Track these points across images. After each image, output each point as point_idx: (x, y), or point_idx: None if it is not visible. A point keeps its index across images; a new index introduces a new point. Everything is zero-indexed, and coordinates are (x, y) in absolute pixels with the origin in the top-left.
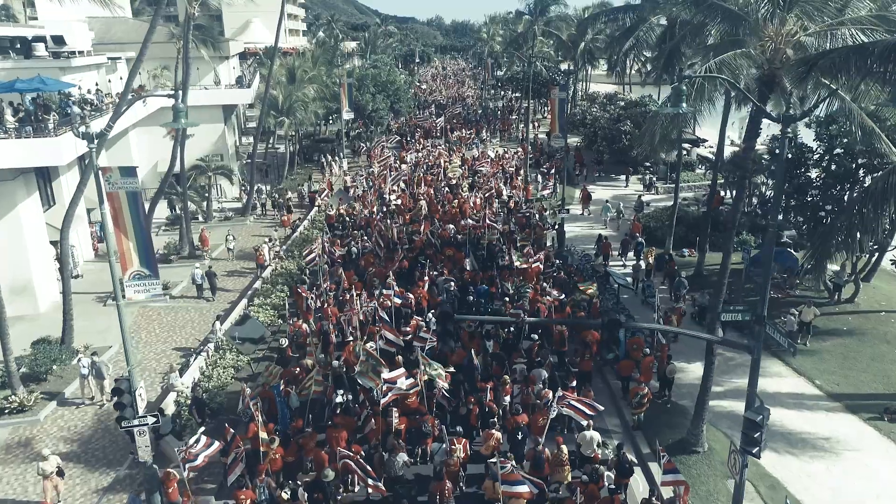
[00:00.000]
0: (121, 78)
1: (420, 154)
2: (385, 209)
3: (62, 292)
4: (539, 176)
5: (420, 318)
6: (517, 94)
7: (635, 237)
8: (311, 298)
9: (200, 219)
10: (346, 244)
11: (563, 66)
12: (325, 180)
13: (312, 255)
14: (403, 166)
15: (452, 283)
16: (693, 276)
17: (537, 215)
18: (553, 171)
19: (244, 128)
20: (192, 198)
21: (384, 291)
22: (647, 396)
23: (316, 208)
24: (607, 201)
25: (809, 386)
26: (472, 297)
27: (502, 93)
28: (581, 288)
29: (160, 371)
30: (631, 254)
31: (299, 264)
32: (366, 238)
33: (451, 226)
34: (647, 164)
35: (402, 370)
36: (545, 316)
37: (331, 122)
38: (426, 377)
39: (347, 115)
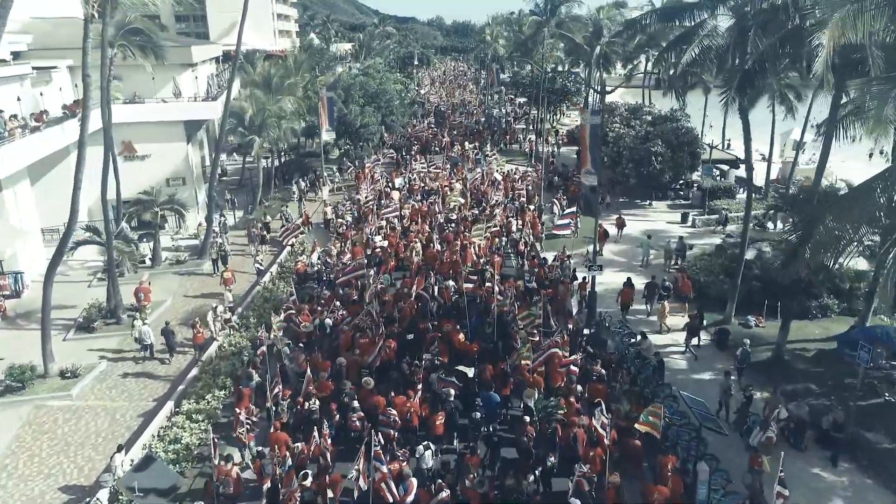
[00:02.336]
0: (60, 89)
1: (414, 176)
2: (370, 253)
3: None
4: (554, 206)
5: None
6: (523, 99)
7: (665, 287)
8: (249, 421)
9: (148, 262)
10: (316, 313)
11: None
12: (301, 212)
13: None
14: (394, 194)
15: (453, 390)
16: (771, 360)
17: (559, 265)
18: (568, 202)
19: (224, 142)
20: (120, 247)
21: (351, 412)
22: None
23: (289, 247)
24: (648, 236)
25: None
26: (479, 414)
27: (507, 98)
28: (641, 422)
29: None
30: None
31: (254, 337)
32: (343, 305)
33: (451, 283)
34: (678, 186)
35: None
36: (584, 446)
37: (315, 137)
38: None
39: (328, 133)
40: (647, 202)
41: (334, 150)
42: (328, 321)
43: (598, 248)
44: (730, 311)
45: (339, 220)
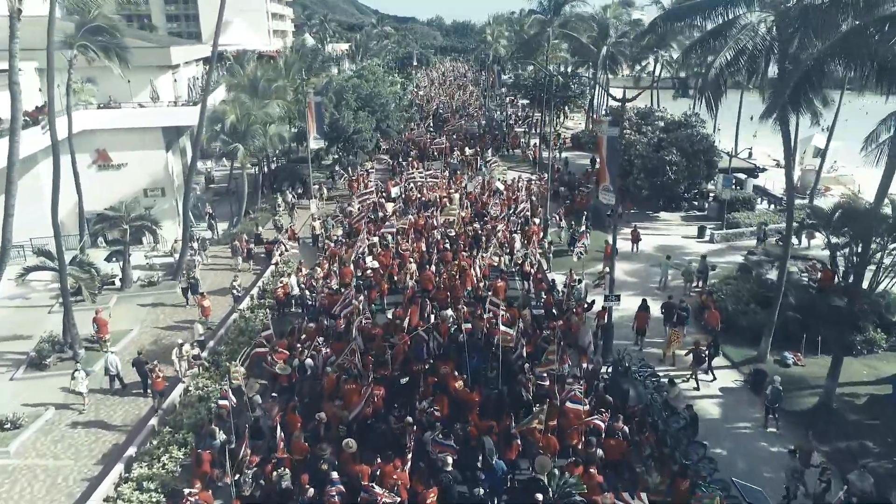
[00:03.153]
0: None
1: (410, 185)
2: (360, 274)
3: None
4: (559, 218)
5: None
6: (524, 101)
7: (684, 308)
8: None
9: (118, 283)
10: (296, 352)
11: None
12: (287, 227)
13: (238, 377)
14: (388, 206)
15: (450, 457)
16: (817, 408)
17: (569, 290)
18: (575, 215)
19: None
20: (76, 273)
21: (329, 486)
22: None
23: (272, 267)
24: (668, 257)
25: None
26: (481, 490)
27: (508, 99)
28: None
29: None
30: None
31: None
32: (327, 340)
33: (450, 313)
34: (692, 196)
35: None
36: None
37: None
38: None
39: (315, 142)
40: (657, 213)
41: (328, 157)
42: (309, 361)
43: (608, 269)
44: (765, 348)
45: (328, 240)
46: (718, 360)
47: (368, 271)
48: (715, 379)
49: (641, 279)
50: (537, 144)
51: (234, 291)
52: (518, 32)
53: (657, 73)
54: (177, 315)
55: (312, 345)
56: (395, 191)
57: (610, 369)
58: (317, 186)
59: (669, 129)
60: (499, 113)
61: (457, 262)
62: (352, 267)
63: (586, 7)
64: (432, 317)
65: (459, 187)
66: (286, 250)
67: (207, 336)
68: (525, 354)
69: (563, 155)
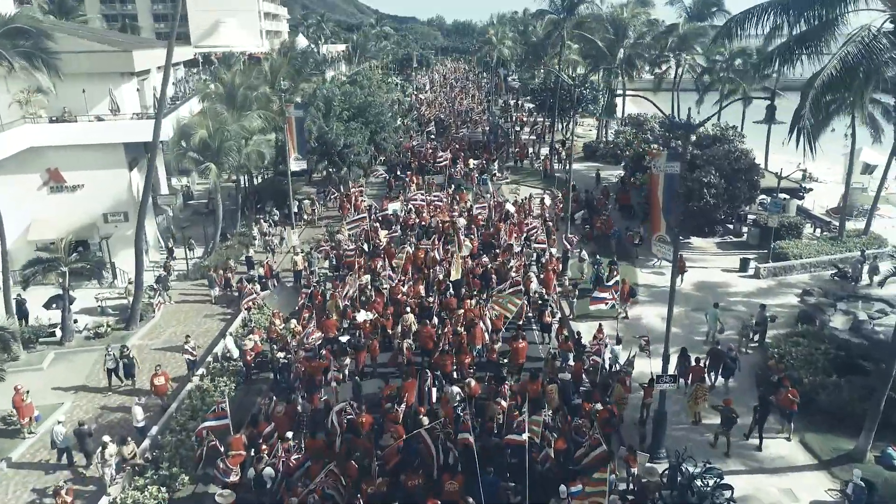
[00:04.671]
0: None
1: (409, 206)
2: (347, 326)
3: None
4: (572, 245)
5: None
6: (530, 105)
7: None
8: None
9: (58, 335)
10: (259, 454)
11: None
12: (264, 261)
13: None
14: (382, 234)
15: None
16: None
17: (600, 352)
18: (594, 242)
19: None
20: None
21: None
22: None
23: (243, 314)
24: (716, 304)
25: None
26: None
27: (514, 103)
28: None
29: None
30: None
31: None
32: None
33: (456, 390)
34: (728, 221)
35: None
36: None
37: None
38: None
39: (296, 163)
40: (687, 238)
41: (320, 171)
42: (269, 471)
43: (622, 310)
44: (865, 443)
45: (312, 281)
46: (797, 454)
47: (363, 321)
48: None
49: (684, 328)
50: (548, 155)
51: (188, 355)
52: (523, 33)
53: (679, 76)
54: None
55: (275, 447)
56: (392, 207)
57: (663, 470)
58: (308, 202)
59: (704, 144)
60: (503, 120)
61: (463, 311)
62: (335, 318)
63: (603, 7)
64: (433, 391)
65: (464, 207)
66: (258, 293)
67: (148, 424)
68: (554, 456)
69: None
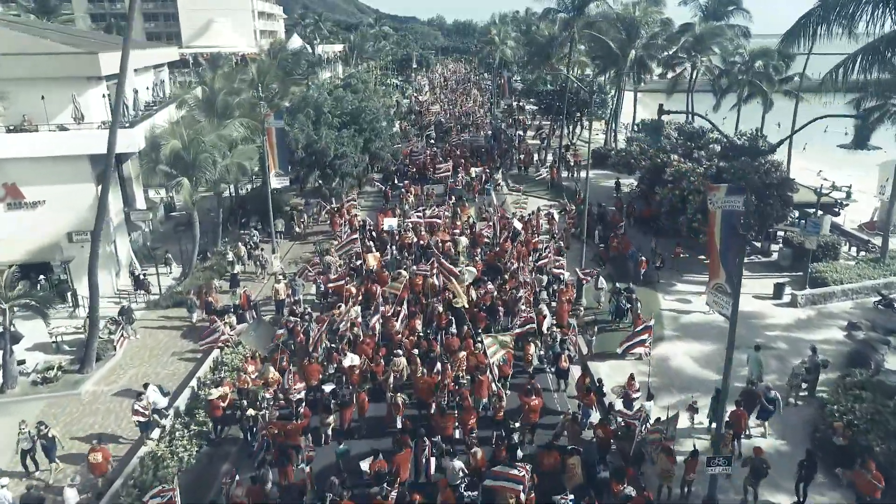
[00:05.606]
0: None
1: (407, 222)
2: (333, 382)
3: None
4: (599, 280)
5: None
6: (531, 107)
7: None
8: None
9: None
10: None
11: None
12: (239, 292)
13: None
14: (370, 259)
15: None
16: None
17: (629, 406)
18: (609, 264)
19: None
20: None
21: None
22: None
23: (215, 353)
24: (757, 347)
25: None
26: None
27: (517, 105)
28: None
29: None
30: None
31: None
32: None
33: (459, 465)
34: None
35: None
36: None
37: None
38: None
39: (278, 179)
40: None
41: (311, 182)
42: None
43: (644, 349)
44: None
45: (294, 315)
46: None
47: (349, 364)
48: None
49: (720, 371)
50: (555, 163)
51: (138, 416)
52: (526, 33)
53: (694, 78)
54: (77, 425)
55: None
56: (388, 223)
57: None
58: (297, 213)
59: (729, 156)
60: (506, 124)
61: (465, 353)
62: (319, 364)
63: (615, 5)
64: (432, 462)
65: (465, 222)
66: (230, 330)
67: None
68: None
69: (577, 174)
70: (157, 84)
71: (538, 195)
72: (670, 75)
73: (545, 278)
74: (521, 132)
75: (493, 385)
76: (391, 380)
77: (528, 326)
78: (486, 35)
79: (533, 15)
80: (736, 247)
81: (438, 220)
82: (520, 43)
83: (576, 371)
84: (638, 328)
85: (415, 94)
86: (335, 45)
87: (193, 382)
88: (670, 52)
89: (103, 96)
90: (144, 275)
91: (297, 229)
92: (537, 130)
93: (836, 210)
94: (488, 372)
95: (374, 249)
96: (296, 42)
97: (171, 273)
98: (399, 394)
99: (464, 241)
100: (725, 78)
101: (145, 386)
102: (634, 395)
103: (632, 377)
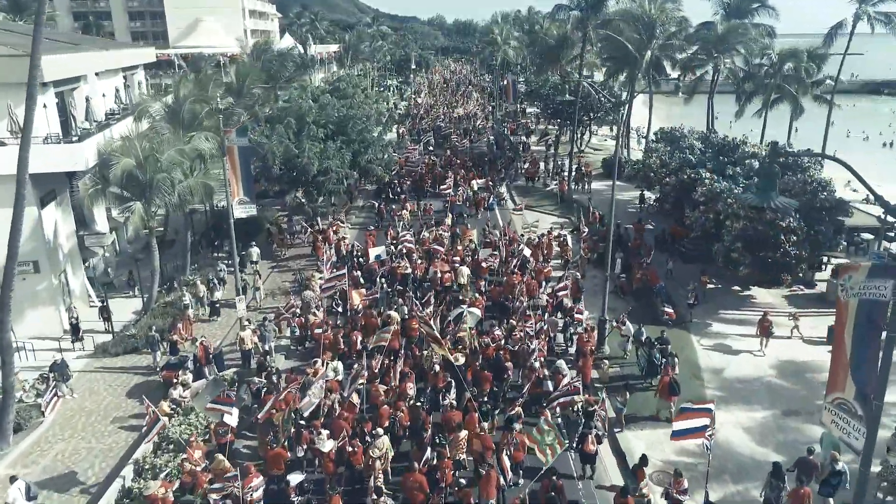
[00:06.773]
0: None
1: (401, 246)
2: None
3: None
4: (625, 321)
5: None
6: (532, 110)
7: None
8: None
9: None
10: None
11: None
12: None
13: None
14: (354, 296)
15: None
16: None
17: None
18: (635, 297)
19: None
20: None
21: None
22: None
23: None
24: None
25: None
26: None
27: (521, 109)
28: None
29: None
30: None
31: None
32: None
33: None
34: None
35: None
36: None
37: (261, 182)
38: None
39: (241, 208)
40: (746, 289)
41: (294, 198)
42: None
43: (705, 440)
44: None
45: (264, 375)
46: None
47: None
48: None
49: (777, 447)
50: (561, 173)
51: None
52: (529, 32)
53: (715, 81)
54: None
55: None
56: (375, 253)
57: None
58: (276, 229)
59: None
60: (509, 130)
61: (467, 434)
62: (283, 449)
63: (632, 3)
64: None
65: (467, 249)
66: (182, 393)
67: None
68: None
69: (589, 187)
70: (129, 89)
71: (547, 211)
72: (688, 78)
73: (560, 322)
74: (524, 137)
75: (502, 478)
76: (373, 479)
77: (571, 398)
78: (487, 35)
79: (536, 14)
80: (875, 351)
81: (440, 248)
82: (523, 43)
83: (604, 451)
84: (695, 406)
85: (413, 96)
86: (331, 45)
87: (127, 471)
88: (689, 53)
89: (45, 106)
90: (104, 303)
91: (277, 251)
92: (542, 136)
93: (894, 234)
94: (496, 467)
95: (361, 282)
96: (286, 42)
97: (138, 295)
98: (383, 497)
99: (465, 270)
100: (751, 81)
101: (12, 480)
102: (682, 498)
103: (679, 475)
